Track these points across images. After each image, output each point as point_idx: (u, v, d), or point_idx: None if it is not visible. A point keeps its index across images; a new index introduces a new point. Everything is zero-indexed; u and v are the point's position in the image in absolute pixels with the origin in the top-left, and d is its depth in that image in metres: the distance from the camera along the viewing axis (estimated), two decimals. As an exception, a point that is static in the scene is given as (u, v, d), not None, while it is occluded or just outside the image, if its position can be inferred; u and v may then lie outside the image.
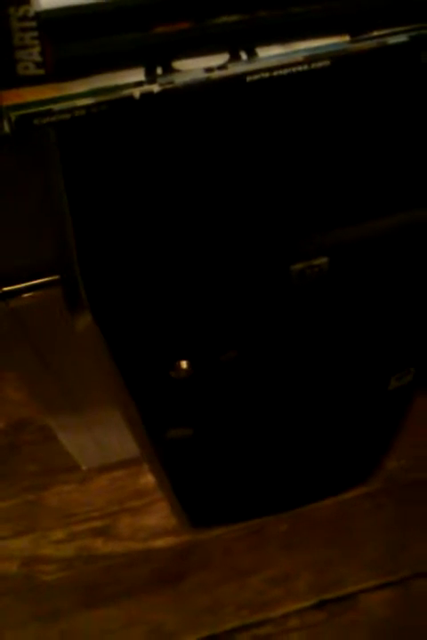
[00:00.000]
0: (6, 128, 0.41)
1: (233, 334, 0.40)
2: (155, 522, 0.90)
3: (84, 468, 0.91)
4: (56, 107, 0.38)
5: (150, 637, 0.88)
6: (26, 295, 0.49)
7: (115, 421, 0.73)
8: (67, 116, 0.38)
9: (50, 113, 0.38)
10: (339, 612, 0.87)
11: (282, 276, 0.34)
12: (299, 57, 0.38)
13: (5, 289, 0.49)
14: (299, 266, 0.33)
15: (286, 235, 0.34)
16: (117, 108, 0.38)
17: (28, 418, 0.95)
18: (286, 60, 0.38)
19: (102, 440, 0.83)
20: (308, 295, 0.36)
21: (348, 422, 0.60)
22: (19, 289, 0.49)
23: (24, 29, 0.41)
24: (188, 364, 0.44)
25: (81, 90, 0.38)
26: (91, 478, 0.93)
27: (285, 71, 0.38)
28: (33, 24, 0.41)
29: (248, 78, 0.38)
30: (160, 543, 0.90)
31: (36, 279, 0.49)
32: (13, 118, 0.38)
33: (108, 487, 0.92)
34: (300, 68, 0.38)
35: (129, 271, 0.36)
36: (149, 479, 0.91)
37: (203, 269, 0.34)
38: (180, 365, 0.43)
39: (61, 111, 0.38)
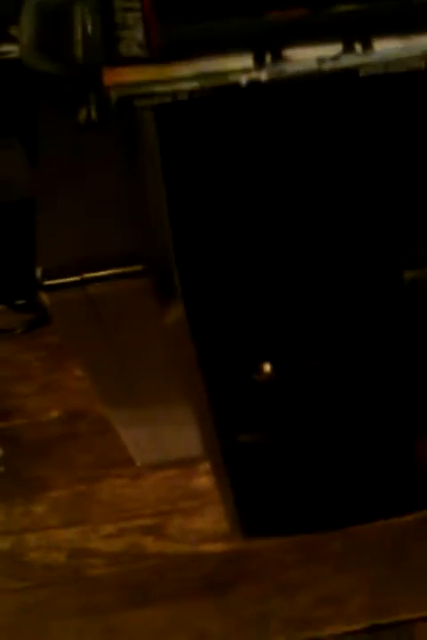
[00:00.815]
0: (93, 114, 0.40)
1: (328, 340, 0.38)
2: (206, 525, 0.88)
3: (138, 463, 0.90)
4: (158, 89, 0.36)
5: (194, 643, 0.86)
6: (106, 283, 0.48)
7: (175, 419, 0.72)
8: (168, 99, 0.37)
9: (151, 95, 0.37)
10: (391, 638, 0.84)
11: (393, 284, 0.31)
12: (418, 52, 0.36)
13: (86, 276, 0.48)
14: (412, 274, 0.31)
15: (400, 240, 0.31)
16: (222, 94, 0.36)
17: (85, 408, 0.94)
18: (403, 55, 0.36)
19: (160, 437, 0.82)
20: (417, 304, 0.34)
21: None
22: (99, 276, 0.48)
23: (126, 9, 0.40)
24: (271, 367, 0.42)
25: (185, 73, 0.37)
26: (144, 475, 0.91)
27: (401, 67, 0.36)
28: (136, 4, 0.40)
29: (361, 72, 0.36)
30: (210, 548, 0.88)
31: (117, 268, 0.48)
32: (114, 98, 0.37)
33: (162, 485, 0.91)
34: (418, 65, 0.36)
35: (225, 266, 0.34)
36: (203, 481, 0.89)
37: (306, 270, 0.32)
38: (263, 368, 0.41)
39: (163, 94, 0.37)
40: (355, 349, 0.39)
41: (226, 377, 0.41)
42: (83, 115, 0.42)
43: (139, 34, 0.38)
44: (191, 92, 0.36)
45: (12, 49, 0.55)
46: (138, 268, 0.45)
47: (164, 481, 0.91)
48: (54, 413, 0.95)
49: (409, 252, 0.31)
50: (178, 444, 0.81)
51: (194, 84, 0.36)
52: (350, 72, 0.35)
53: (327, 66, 0.35)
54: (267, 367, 0.42)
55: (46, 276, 0.49)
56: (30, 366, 0.97)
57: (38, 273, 0.49)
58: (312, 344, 0.38)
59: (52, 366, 0.97)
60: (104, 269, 0.48)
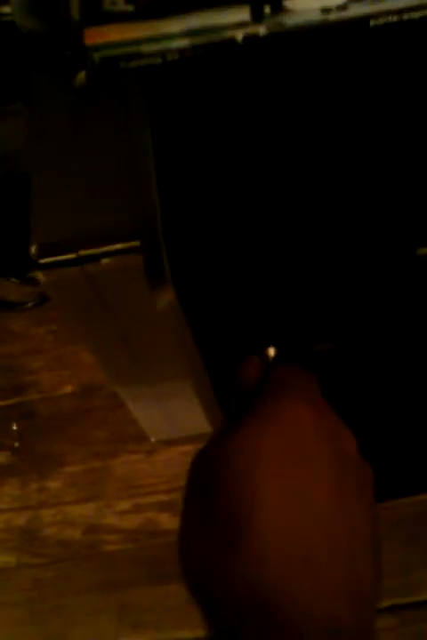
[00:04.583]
0: (80, 77, 0.37)
1: (334, 323, 0.35)
2: (222, 502, 0.86)
3: (152, 439, 0.88)
4: (146, 48, 0.33)
5: (211, 619, 0.85)
6: (103, 261, 0.46)
7: (186, 396, 0.69)
8: (157, 59, 0.33)
9: (138, 55, 0.33)
10: (412, 619, 0.81)
11: (407, 262, 0.28)
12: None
13: (82, 253, 0.45)
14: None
15: (414, 215, 0.28)
16: (216, 52, 0.32)
17: (98, 382, 0.92)
18: (418, 1, 0.32)
19: (172, 414, 0.80)
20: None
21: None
22: (96, 254, 0.45)
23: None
24: (275, 351, 0.39)
25: (175, 30, 0.33)
26: (159, 450, 0.90)
27: (417, 14, 0.32)
28: None
29: (372, 22, 0.32)
30: (226, 525, 0.86)
31: (114, 244, 0.45)
32: (97, 60, 0.33)
33: (177, 461, 0.89)
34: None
35: (220, 244, 0.31)
36: (218, 458, 0.87)
37: (312, 246, 0.29)
38: (267, 353, 0.38)
39: (152, 54, 0.33)
40: (364, 330, 0.35)
41: (226, 360, 0.39)
42: (79, 79, 0.39)
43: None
44: (182, 51, 0.33)
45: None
46: (136, 243, 0.43)
47: (179, 456, 0.89)
48: (68, 388, 0.94)
49: (423, 229, 0.28)
50: (190, 421, 0.79)
51: (185, 42, 0.33)
52: (359, 22, 0.31)
53: (333, 16, 0.31)
54: (271, 351, 0.39)
55: (42, 253, 0.47)
56: (43, 340, 0.96)
57: (33, 250, 0.47)
58: (317, 327, 0.35)
59: (64, 340, 0.95)
60: (101, 245, 0.46)
